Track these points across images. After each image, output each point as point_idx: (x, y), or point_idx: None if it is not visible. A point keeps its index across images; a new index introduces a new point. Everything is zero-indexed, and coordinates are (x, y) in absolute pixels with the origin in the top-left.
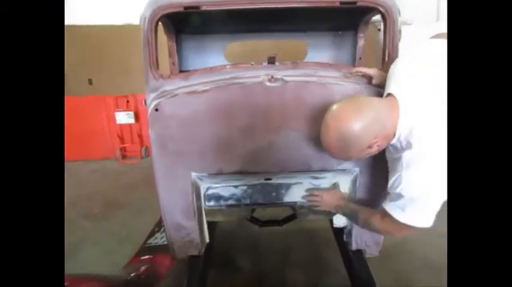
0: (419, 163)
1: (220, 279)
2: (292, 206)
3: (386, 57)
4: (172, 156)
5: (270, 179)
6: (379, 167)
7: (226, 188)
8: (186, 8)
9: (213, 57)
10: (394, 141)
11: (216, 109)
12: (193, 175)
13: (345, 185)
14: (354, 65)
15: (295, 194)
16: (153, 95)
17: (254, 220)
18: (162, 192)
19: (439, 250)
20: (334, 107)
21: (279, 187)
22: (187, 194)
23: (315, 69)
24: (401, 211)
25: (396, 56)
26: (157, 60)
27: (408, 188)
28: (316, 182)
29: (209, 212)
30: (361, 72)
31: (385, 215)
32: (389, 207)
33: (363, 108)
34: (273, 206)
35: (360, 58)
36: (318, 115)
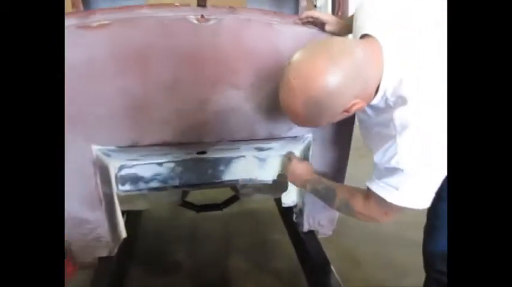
0: (419, 122)
1: (149, 281)
2: (234, 185)
3: (337, 6)
4: None
5: (204, 152)
6: (338, 132)
7: (147, 167)
8: None
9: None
10: (376, 100)
11: (125, 54)
12: (96, 149)
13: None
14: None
15: (237, 171)
16: None
17: (189, 205)
18: None
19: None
20: (297, 58)
21: (217, 162)
22: (87, 176)
23: (257, 15)
24: (395, 190)
25: (347, 6)
26: None
27: (408, 158)
28: (262, 155)
29: (125, 199)
30: (312, 17)
31: (370, 196)
32: (378, 187)
33: (339, 57)
34: (210, 187)
35: None
36: (264, 65)
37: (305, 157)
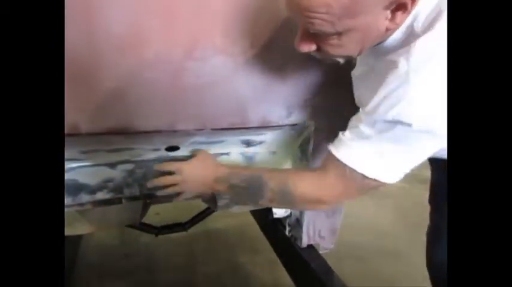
0: (443, 57)
1: None
2: (212, 194)
3: None
4: None
5: (176, 148)
6: (344, 120)
7: (93, 170)
8: None
9: None
10: (401, 30)
11: None
12: None
13: (287, 152)
14: None
15: None
16: None
17: (145, 227)
18: None
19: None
20: None
21: None
22: None
23: None
24: (377, 158)
25: None
26: None
27: (419, 107)
28: (249, 151)
29: None
30: None
31: (328, 167)
32: (349, 150)
33: None
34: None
35: None
36: (262, 25)
37: (303, 152)
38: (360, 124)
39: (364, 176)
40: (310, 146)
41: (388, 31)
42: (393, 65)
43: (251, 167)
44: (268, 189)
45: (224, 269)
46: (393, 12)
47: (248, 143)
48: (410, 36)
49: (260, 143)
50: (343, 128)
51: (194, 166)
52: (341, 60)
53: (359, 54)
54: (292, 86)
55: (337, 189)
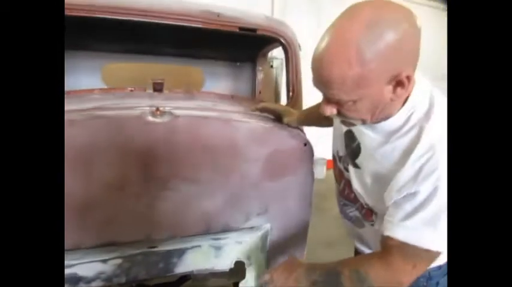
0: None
1: None
2: (188, 275)
3: (291, 92)
4: None
5: (155, 246)
6: (296, 221)
7: (90, 265)
8: None
9: (86, 79)
10: (402, 114)
11: (68, 154)
12: None
13: (251, 243)
14: (253, 98)
15: (192, 262)
16: None
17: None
18: None
19: None
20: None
21: (169, 255)
22: None
23: (214, 101)
24: (432, 229)
25: (301, 89)
26: None
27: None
28: (218, 243)
29: None
30: (268, 110)
31: (392, 251)
32: (407, 231)
33: (402, 13)
34: (162, 279)
35: (260, 92)
36: (223, 161)
37: (263, 247)
38: (401, 204)
39: (427, 251)
40: (268, 241)
41: (393, 102)
42: (414, 143)
43: (330, 262)
44: (344, 278)
45: None
46: (394, 87)
47: (216, 238)
48: (414, 113)
49: (226, 238)
50: (292, 227)
51: (279, 272)
52: (358, 123)
53: (371, 120)
54: (249, 199)
55: (408, 268)
